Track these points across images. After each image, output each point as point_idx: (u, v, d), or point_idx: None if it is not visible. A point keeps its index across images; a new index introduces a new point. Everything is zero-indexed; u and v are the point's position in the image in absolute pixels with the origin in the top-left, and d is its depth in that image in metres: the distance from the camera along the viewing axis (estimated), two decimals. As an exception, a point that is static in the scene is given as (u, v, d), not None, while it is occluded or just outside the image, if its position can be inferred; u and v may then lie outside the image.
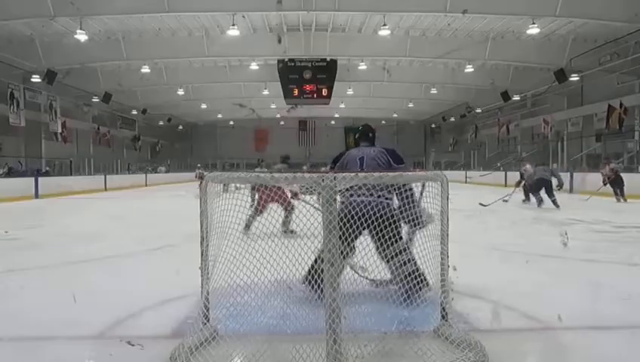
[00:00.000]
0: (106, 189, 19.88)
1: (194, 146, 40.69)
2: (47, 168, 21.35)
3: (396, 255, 3.25)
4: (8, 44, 16.46)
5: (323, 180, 2.27)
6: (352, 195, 3.08)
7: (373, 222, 2.94)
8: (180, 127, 38.59)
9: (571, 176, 16.80)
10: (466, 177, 25.77)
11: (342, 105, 29.98)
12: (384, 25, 15.69)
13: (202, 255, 2.80)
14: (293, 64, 19.55)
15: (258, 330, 2.70)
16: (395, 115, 34.78)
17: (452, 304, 2.84)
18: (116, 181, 22.12)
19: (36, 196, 15.03)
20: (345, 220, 2.65)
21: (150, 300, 3.67)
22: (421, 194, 3.05)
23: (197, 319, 2.73)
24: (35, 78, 18.76)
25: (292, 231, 4.79)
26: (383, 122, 37.77)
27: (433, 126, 38.36)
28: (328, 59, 19.44)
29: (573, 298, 3.78)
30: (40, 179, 16.08)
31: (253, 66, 20.65)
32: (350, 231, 2.65)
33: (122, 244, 6.48)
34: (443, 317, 2.82)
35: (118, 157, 29.17)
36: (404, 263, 3.22)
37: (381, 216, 3.05)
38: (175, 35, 17.81)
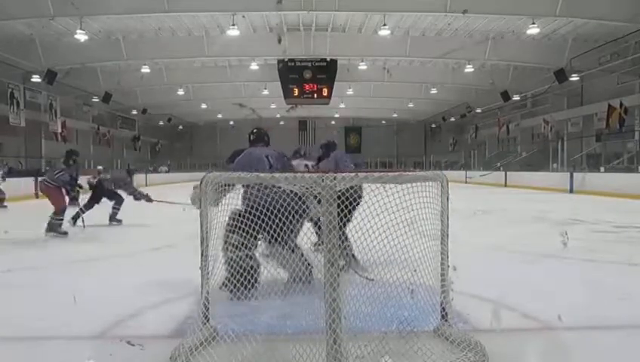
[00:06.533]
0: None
1: (194, 146, 40.66)
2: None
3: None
4: (8, 44, 16.45)
5: (323, 180, 2.27)
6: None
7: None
8: (180, 127, 38.58)
9: (571, 176, 16.80)
10: (466, 177, 25.76)
11: (342, 105, 29.94)
12: (384, 25, 15.67)
13: (202, 255, 2.80)
14: (293, 64, 19.52)
15: (258, 330, 2.69)
16: (395, 115, 34.75)
17: (452, 304, 2.83)
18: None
19: (36, 196, 14.97)
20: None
21: (150, 300, 3.67)
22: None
23: (197, 319, 2.73)
24: (35, 78, 18.77)
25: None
26: (383, 122, 37.73)
27: (433, 126, 38.32)
28: (328, 59, 19.41)
29: (573, 298, 3.77)
30: (40, 178, 15.99)
31: (253, 66, 20.63)
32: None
33: (122, 244, 6.49)
34: (443, 317, 2.82)
35: (118, 157, 29.14)
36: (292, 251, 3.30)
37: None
38: (175, 35, 17.80)
